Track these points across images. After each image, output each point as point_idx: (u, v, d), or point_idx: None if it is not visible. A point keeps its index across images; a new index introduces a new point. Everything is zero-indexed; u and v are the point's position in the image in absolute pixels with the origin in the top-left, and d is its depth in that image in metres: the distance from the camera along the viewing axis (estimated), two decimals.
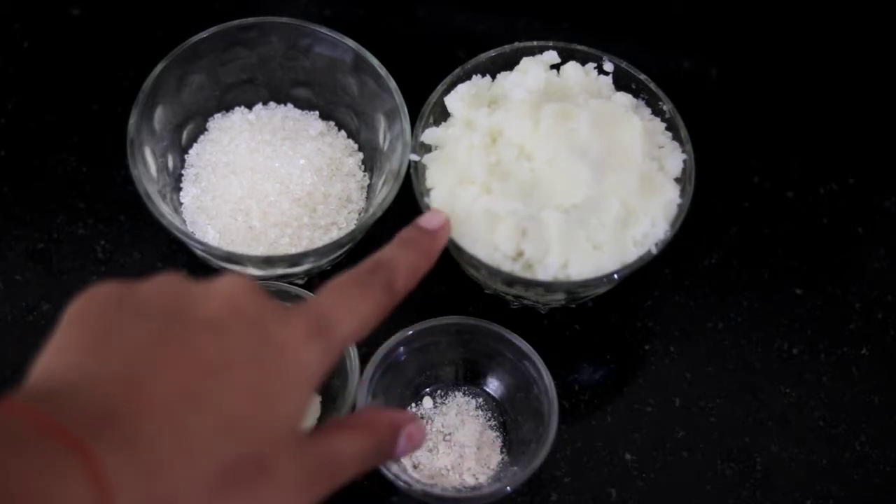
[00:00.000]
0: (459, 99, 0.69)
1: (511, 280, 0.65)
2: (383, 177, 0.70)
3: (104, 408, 0.41)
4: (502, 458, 0.66)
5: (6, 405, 0.40)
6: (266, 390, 0.45)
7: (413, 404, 0.68)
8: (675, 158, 0.68)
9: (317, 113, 0.75)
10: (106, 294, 0.46)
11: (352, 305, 0.50)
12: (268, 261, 0.66)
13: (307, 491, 0.46)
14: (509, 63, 0.71)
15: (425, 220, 0.61)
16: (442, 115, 0.70)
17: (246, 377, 0.45)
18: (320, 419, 0.65)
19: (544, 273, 0.65)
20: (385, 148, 0.71)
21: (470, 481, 0.65)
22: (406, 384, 0.67)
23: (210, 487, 0.42)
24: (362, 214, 0.71)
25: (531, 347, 0.65)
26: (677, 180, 0.68)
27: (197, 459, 0.42)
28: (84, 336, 0.44)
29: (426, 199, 0.67)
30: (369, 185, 0.73)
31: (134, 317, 0.45)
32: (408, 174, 0.67)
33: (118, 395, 0.41)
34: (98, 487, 0.39)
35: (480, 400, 0.68)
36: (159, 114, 0.70)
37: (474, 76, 0.71)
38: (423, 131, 0.69)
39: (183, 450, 0.41)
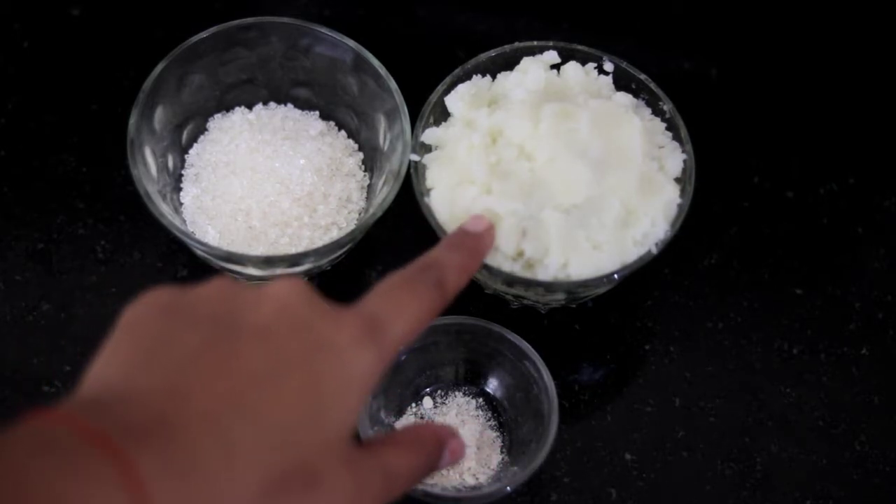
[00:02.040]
0: (459, 99, 0.69)
1: (511, 280, 0.65)
2: (383, 177, 0.70)
3: (150, 419, 0.40)
4: (502, 458, 0.66)
5: (53, 414, 0.40)
6: (315, 398, 0.44)
7: (413, 404, 0.68)
8: (675, 158, 0.68)
9: (317, 113, 0.75)
10: (158, 301, 0.46)
11: (403, 305, 0.50)
12: (268, 261, 0.66)
13: (358, 503, 0.46)
14: (509, 63, 0.71)
15: (470, 225, 0.61)
16: (442, 115, 0.70)
17: (295, 384, 0.44)
18: None
19: (544, 273, 0.65)
20: (385, 148, 0.71)
21: (470, 481, 0.65)
22: (406, 384, 0.67)
23: (255, 498, 0.41)
24: (362, 214, 0.71)
25: (531, 347, 0.65)
26: (677, 180, 0.68)
27: (242, 470, 0.41)
28: (135, 345, 0.44)
29: (426, 199, 0.67)
30: (369, 185, 0.73)
31: (185, 325, 0.45)
32: (408, 174, 0.67)
33: (165, 406, 0.41)
34: (136, 496, 0.38)
35: (480, 400, 0.68)
36: (159, 114, 0.70)
37: (474, 76, 0.71)
38: (423, 131, 0.69)
39: (227, 460, 0.41)
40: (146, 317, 0.45)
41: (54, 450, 0.38)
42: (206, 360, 0.43)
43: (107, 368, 0.44)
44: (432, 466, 0.52)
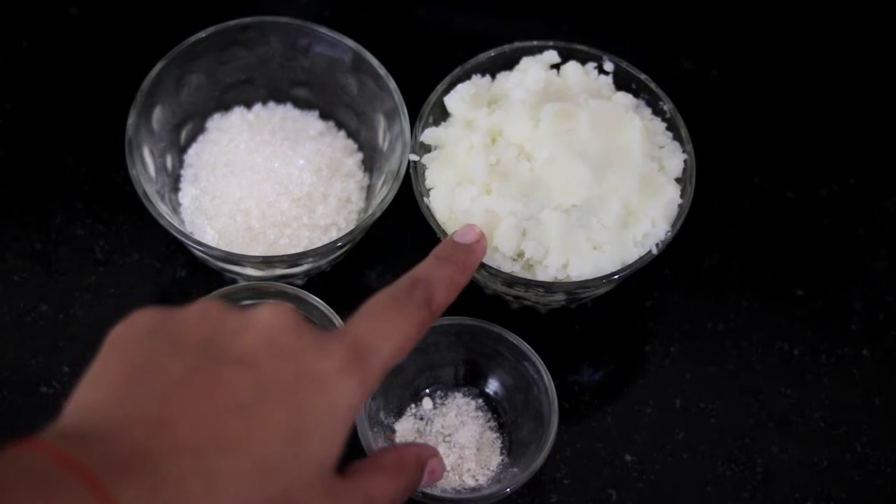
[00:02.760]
0: (459, 99, 0.69)
1: (511, 280, 0.65)
2: (383, 177, 0.70)
3: (133, 452, 0.40)
4: (502, 460, 0.66)
5: (35, 443, 0.40)
6: (298, 428, 0.44)
7: (413, 405, 0.67)
8: (675, 158, 0.68)
9: (316, 113, 0.75)
10: (145, 323, 0.46)
11: (390, 328, 0.49)
12: (267, 261, 0.66)
13: None
14: (509, 63, 0.71)
15: (459, 235, 0.60)
16: (442, 114, 0.70)
17: (277, 415, 0.44)
18: None
19: (544, 273, 0.64)
20: (385, 148, 0.71)
21: (470, 483, 0.65)
22: (406, 385, 0.67)
23: None
24: (362, 215, 0.71)
25: (531, 348, 0.65)
26: (678, 180, 0.68)
27: (224, 499, 0.41)
28: (119, 370, 0.44)
29: (426, 200, 0.67)
30: (369, 186, 0.73)
31: (170, 350, 0.44)
32: (407, 174, 0.67)
33: (146, 437, 0.41)
34: None
35: (480, 401, 0.68)
36: (158, 114, 0.70)
37: (474, 76, 0.71)
38: (422, 131, 0.68)
39: (210, 494, 0.41)
40: (132, 340, 0.45)
41: (35, 479, 0.38)
42: (190, 389, 0.43)
43: (92, 393, 0.44)
44: (412, 488, 0.52)
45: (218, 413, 0.43)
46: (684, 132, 0.69)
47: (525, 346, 0.65)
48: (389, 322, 0.50)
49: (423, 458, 0.53)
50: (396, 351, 0.49)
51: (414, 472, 0.52)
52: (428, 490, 0.62)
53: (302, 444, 0.44)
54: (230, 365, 0.44)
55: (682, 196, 0.67)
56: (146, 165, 0.68)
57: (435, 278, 0.54)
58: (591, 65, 0.71)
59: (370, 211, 0.67)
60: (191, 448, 0.41)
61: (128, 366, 0.44)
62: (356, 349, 0.47)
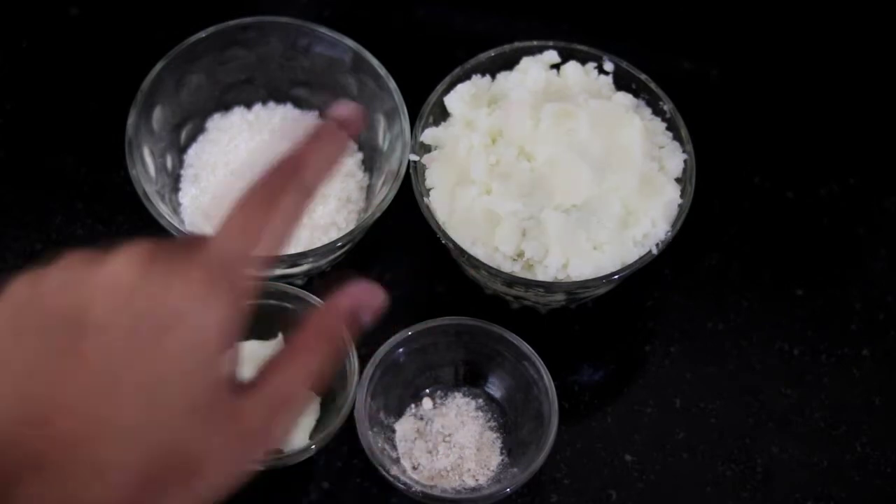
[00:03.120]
0: (459, 99, 0.69)
1: (511, 280, 0.65)
2: (383, 177, 0.70)
3: (18, 460, 0.40)
4: (502, 460, 0.66)
5: None
6: (170, 376, 0.42)
7: (413, 405, 0.67)
8: (675, 158, 0.68)
9: (316, 113, 0.75)
10: (13, 303, 0.44)
11: (259, 227, 0.46)
12: None
13: (247, 453, 0.44)
14: (509, 63, 0.71)
15: (334, 111, 0.54)
16: (442, 114, 0.70)
17: (143, 377, 0.42)
18: (320, 420, 0.65)
19: (544, 273, 0.64)
20: (385, 148, 0.71)
21: (470, 483, 0.65)
22: (406, 385, 0.67)
23: (136, 499, 0.41)
24: (362, 215, 0.71)
25: (531, 348, 0.65)
26: (678, 180, 0.67)
27: (117, 483, 0.41)
28: None
29: (426, 199, 0.67)
30: (369, 185, 0.73)
31: (33, 328, 0.43)
32: (407, 174, 0.67)
33: (27, 441, 0.41)
34: None
35: (480, 401, 0.68)
36: (158, 114, 0.70)
37: (474, 76, 0.71)
38: (422, 131, 0.68)
39: (100, 479, 0.41)
40: (2, 326, 0.44)
41: None
42: (54, 372, 0.42)
43: None
44: (331, 355, 0.48)
45: (87, 396, 0.42)
46: (684, 132, 0.69)
47: (525, 346, 0.65)
48: (257, 222, 0.47)
49: (341, 308, 0.48)
50: (271, 250, 0.46)
51: (322, 344, 0.47)
52: (428, 491, 0.62)
53: (178, 394, 0.42)
54: (89, 337, 0.43)
55: (682, 196, 0.67)
56: (146, 165, 0.68)
57: (308, 156, 0.50)
58: (591, 65, 0.71)
59: (370, 211, 0.67)
60: (69, 439, 0.41)
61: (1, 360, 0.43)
62: (219, 270, 0.44)
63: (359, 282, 0.49)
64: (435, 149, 0.69)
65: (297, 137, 0.51)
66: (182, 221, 0.70)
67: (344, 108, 0.53)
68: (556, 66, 0.71)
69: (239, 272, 0.45)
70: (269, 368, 0.46)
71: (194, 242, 0.45)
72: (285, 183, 0.49)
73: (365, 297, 0.48)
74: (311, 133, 0.51)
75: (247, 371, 0.66)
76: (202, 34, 0.70)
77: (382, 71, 0.70)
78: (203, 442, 0.43)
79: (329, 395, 0.65)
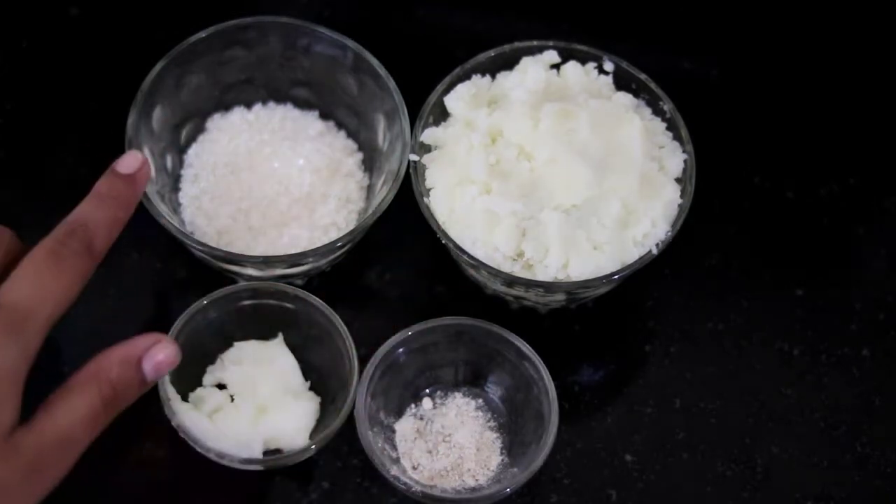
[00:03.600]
0: (459, 99, 0.69)
1: (511, 280, 0.65)
2: (383, 177, 0.70)
3: None
4: (502, 460, 0.66)
5: None
6: None
7: (412, 405, 0.67)
8: (675, 158, 0.68)
9: (316, 113, 0.75)
10: None
11: (46, 286, 0.49)
12: (267, 261, 0.66)
13: (35, 484, 0.45)
14: (509, 63, 0.71)
15: (121, 165, 0.58)
16: (442, 114, 0.70)
17: None
18: (320, 420, 0.65)
19: (544, 273, 0.64)
20: (385, 148, 0.71)
21: (470, 483, 0.65)
22: (405, 385, 0.67)
23: None
24: (362, 215, 0.71)
25: (531, 348, 0.65)
26: (677, 180, 0.68)
27: None
28: None
29: (426, 200, 0.67)
30: (369, 186, 0.73)
31: None
32: (407, 174, 0.67)
33: None
34: None
35: (480, 401, 0.68)
36: (158, 114, 0.70)
37: (474, 76, 0.71)
38: (422, 131, 0.68)
39: None
40: None
41: None
42: None
43: None
44: (125, 394, 0.50)
45: None
46: (684, 132, 0.69)
47: (525, 346, 0.65)
48: (45, 280, 0.49)
49: (131, 354, 0.50)
50: (56, 309, 0.49)
51: (118, 375, 0.49)
52: (428, 491, 0.62)
53: None
54: None
55: (682, 196, 0.67)
56: None
57: (93, 221, 0.53)
58: (591, 65, 0.71)
59: (370, 211, 0.67)
60: None
61: None
62: (10, 316, 0.47)
63: (153, 334, 0.52)
64: (435, 149, 0.69)
65: (89, 195, 0.54)
66: (182, 221, 0.70)
67: (127, 163, 0.56)
68: (556, 66, 0.71)
69: (30, 322, 0.47)
70: (43, 405, 0.48)
71: None
72: (75, 247, 0.51)
73: (154, 350, 0.51)
74: (96, 194, 0.54)
75: (247, 371, 0.66)
76: (202, 34, 0.70)
77: (382, 71, 0.70)
78: None
79: (328, 396, 0.66)
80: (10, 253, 0.56)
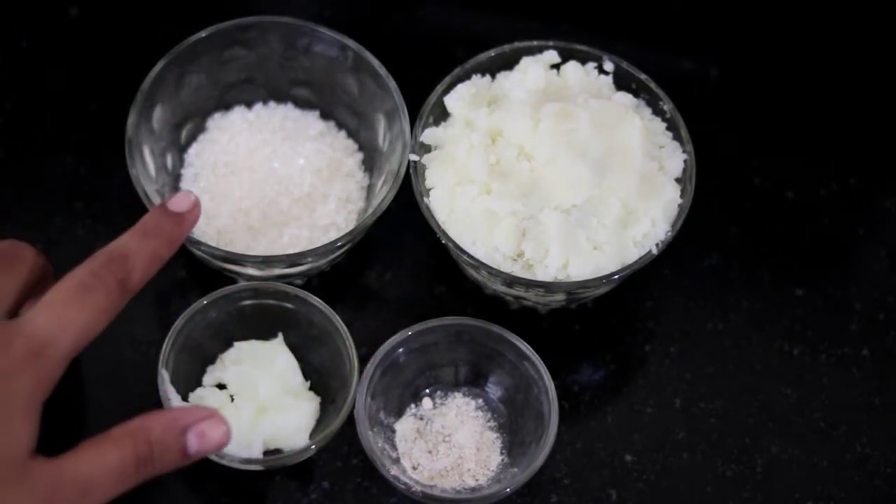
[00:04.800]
0: (459, 99, 0.69)
1: (511, 280, 0.65)
2: (383, 177, 0.70)
3: None
4: (502, 460, 0.66)
5: None
6: None
7: (412, 405, 0.67)
8: (675, 158, 0.68)
9: (317, 113, 0.75)
10: None
11: (71, 318, 0.48)
12: (266, 261, 0.66)
13: None
14: (509, 63, 0.71)
15: (174, 203, 0.56)
16: (442, 114, 0.70)
17: None
18: (320, 420, 0.65)
19: (544, 273, 0.64)
20: (385, 148, 0.71)
21: (470, 483, 0.65)
22: (405, 385, 0.67)
23: None
24: (362, 214, 0.71)
25: (531, 348, 0.65)
26: (677, 180, 0.68)
27: None
28: None
29: (426, 199, 0.67)
30: (369, 185, 0.73)
31: None
32: (407, 174, 0.67)
33: None
34: None
35: (480, 401, 0.68)
36: (158, 113, 0.70)
37: (474, 76, 0.71)
38: (422, 131, 0.69)
39: None
40: None
41: None
42: None
43: None
44: (161, 459, 0.49)
45: None
46: (684, 132, 0.69)
47: (525, 346, 0.65)
48: (72, 311, 0.49)
49: (178, 422, 0.49)
50: (78, 342, 0.48)
51: (158, 437, 0.49)
52: (428, 491, 0.62)
53: None
54: None
55: (682, 196, 0.67)
56: (146, 165, 0.68)
57: (135, 254, 0.52)
58: (591, 65, 0.71)
59: (370, 211, 0.67)
60: None
61: None
62: (32, 343, 0.47)
63: (210, 409, 0.51)
64: (435, 149, 0.69)
65: (136, 226, 0.53)
66: None
67: (179, 202, 0.55)
68: (556, 66, 0.71)
69: (51, 351, 0.47)
70: (76, 447, 0.47)
71: (8, 322, 0.48)
72: (108, 281, 0.50)
73: (205, 424, 0.50)
74: (142, 226, 0.53)
75: (247, 371, 0.66)
76: (202, 34, 0.70)
77: (382, 71, 0.70)
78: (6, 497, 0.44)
79: (328, 396, 0.66)
80: (34, 272, 0.56)
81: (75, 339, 0.49)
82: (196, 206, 0.56)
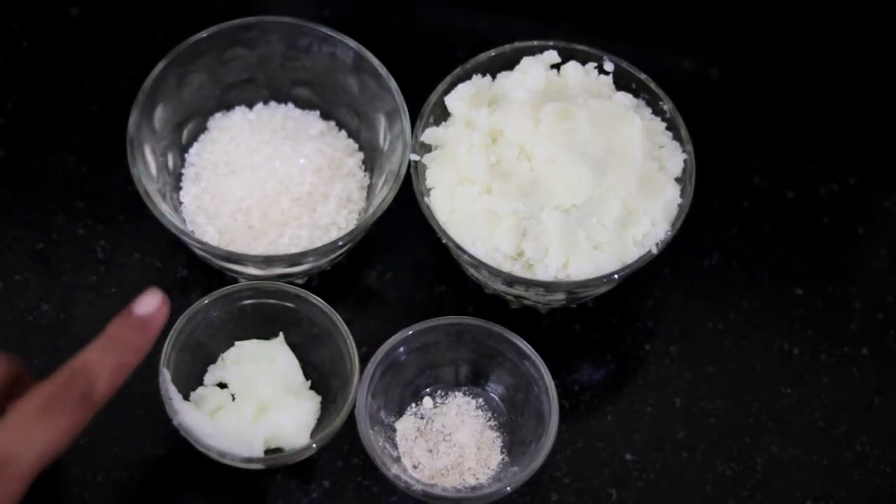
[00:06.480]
0: (459, 99, 0.69)
1: (511, 280, 0.65)
2: (383, 177, 0.70)
3: None
4: (502, 459, 0.66)
5: None
6: None
7: (413, 404, 0.67)
8: (675, 158, 0.68)
9: (317, 112, 0.75)
10: None
11: (33, 436, 0.48)
12: (267, 260, 0.66)
13: None
14: (509, 63, 0.71)
15: (139, 306, 0.55)
16: (442, 114, 0.70)
17: None
18: (320, 419, 0.65)
19: (544, 273, 0.65)
20: (385, 148, 0.71)
21: (470, 481, 0.65)
22: (406, 384, 0.67)
23: None
24: (362, 214, 0.71)
25: (531, 347, 0.65)
26: (677, 180, 0.68)
27: None
28: None
29: (426, 199, 0.67)
30: (369, 185, 0.73)
31: None
32: (408, 174, 0.67)
33: None
34: None
35: (480, 400, 0.68)
36: (159, 113, 0.70)
37: (474, 76, 0.71)
38: (423, 131, 0.69)
39: None
40: None
41: None
42: None
43: None
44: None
45: None
46: (684, 132, 0.69)
47: (525, 346, 0.65)
48: (32, 431, 0.48)
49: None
50: (40, 458, 0.48)
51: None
52: (428, 489, 0.62)
53: None
54: None
55: (682, 196, 0.67)
56: (147, 164, 0.68)
57: (100, 365, 0.51)
58: (591, 65, 0.71)
59: (370, 210, 0.67)
60: None
61: None
62: None
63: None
64: (435, 149, 0.69)
65: (100, 338, 0.52)
66: (183, 220, 0.70)
67: (146, 303, 0.54)
68: (556, 66, 0.71)
69: (13, 471, 0.47)
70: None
71: None
72: (72, 396, 0.50)
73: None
74: (107, 337, 0.52)
75: (248, 370, 0.66)
76: (203, 34, 0.70)
77: (383, 71, 0.70)
78: None
79: (329, 396, 0.66)
80: (9, 377, 0.55)
81: (38, 457, 0.48)
82: (163, 306, 0.55)
